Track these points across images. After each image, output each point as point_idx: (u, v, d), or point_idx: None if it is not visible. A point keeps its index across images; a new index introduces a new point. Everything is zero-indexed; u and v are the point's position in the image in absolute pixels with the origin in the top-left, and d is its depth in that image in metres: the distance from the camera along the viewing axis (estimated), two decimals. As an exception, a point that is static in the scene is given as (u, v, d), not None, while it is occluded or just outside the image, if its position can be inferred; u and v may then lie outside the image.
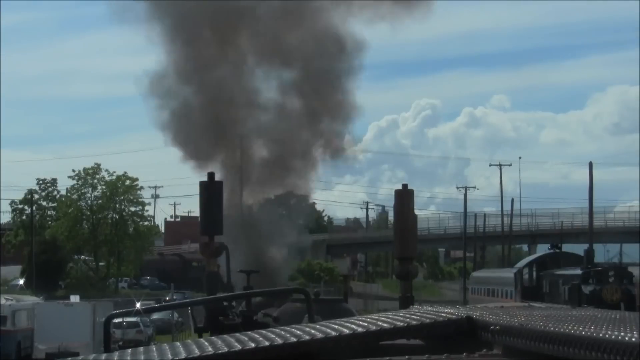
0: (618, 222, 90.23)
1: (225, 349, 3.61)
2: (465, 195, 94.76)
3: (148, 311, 39.64)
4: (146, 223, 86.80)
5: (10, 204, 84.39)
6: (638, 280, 42.96)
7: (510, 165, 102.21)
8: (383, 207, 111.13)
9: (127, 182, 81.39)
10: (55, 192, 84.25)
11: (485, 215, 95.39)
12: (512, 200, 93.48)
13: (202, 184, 12.56)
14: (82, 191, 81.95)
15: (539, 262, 54.71)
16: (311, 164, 26.35)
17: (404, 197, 11.95)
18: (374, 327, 3.84)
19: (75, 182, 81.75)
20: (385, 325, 3.88)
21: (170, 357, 3.64)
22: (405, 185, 12.27)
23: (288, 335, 3.79)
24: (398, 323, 3.89)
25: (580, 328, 3.18)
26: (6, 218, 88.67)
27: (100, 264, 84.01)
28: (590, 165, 62.63)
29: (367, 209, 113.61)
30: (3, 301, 43.18)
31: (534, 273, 53.26)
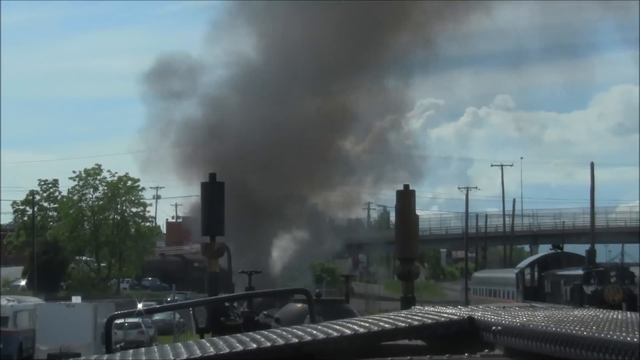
0: (620, 222, 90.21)
1: (227, 350, 3.61)
2: (467, 195, 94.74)
3: (150, 312, 39.59)
4: (147, 224, 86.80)
5: (12, 205, 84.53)
6: (639, 280, 42.96)
7: (511, 165, 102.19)
8: (385, 207, 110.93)
9: (129, 182, 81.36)
10: (57, 193, 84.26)
11: (487, 215, 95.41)
12: (514, 200, 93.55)
13: (203, 184, 12.57)
14: (83, 192, 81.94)
15: (540, 262, 54.70)
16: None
17: (406, 197, 11.94)
18: (376, 328, 3.84)
19: (75, 183, 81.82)
20: (386, 325, 3.88)
21: (172, 357, 3.64)
22: (406, 186, 12.27)
23: (290, 335, 3.79)
24: (399, 323, 3.89)
25: (582, 328, 3.18)
26: (8, 219, 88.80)
27: (102, 264, 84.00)
28: (592, 165, 62.63)
29: (368, 209, 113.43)
30: (5, 302, 43.18)
31: (536, 273, 53.26)
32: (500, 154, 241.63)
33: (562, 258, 52.84)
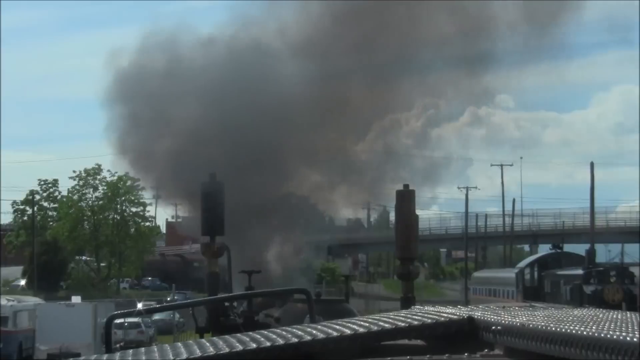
0: (620, 222, 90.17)
1: (227, 350, 3.61)
2: (466, 195, 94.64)
3: (149, 312, 39.65)
4: (147, 224, 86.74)
5: (12, 205, 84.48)
6: (639, 280, 42.96)
7: (511, 165, 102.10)
8: (384, 207, 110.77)
9: (129, 182, 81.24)
10: (57, 193, 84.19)
11: (486, 215, 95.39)
12: (514, 200, 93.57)
13: (203, 184, 12.58)
14: (83, 192, 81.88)
15: (540, 262, 54.71)
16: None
17: (405, 197, 11.94)
18: (376, 328, 3.84)
19: (75, 182, 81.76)
20: (386, 325, 3.88)
21: (171, 357, 3.64)
22: (406, 186, 12.26)
23: (289, 335, 3.79)
24: (399, 323, 3.89)
25: (582, 328, 3.18)
26: (7, 219, 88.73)
27: (102, 264, 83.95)
28: (592, 165, 62.63)
29: (368, 209, 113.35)
30: (4, 302, 43.16)
31: (536, 273, 53.27)
32: (500, 154, 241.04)
33: (562, 258, 52.86)
